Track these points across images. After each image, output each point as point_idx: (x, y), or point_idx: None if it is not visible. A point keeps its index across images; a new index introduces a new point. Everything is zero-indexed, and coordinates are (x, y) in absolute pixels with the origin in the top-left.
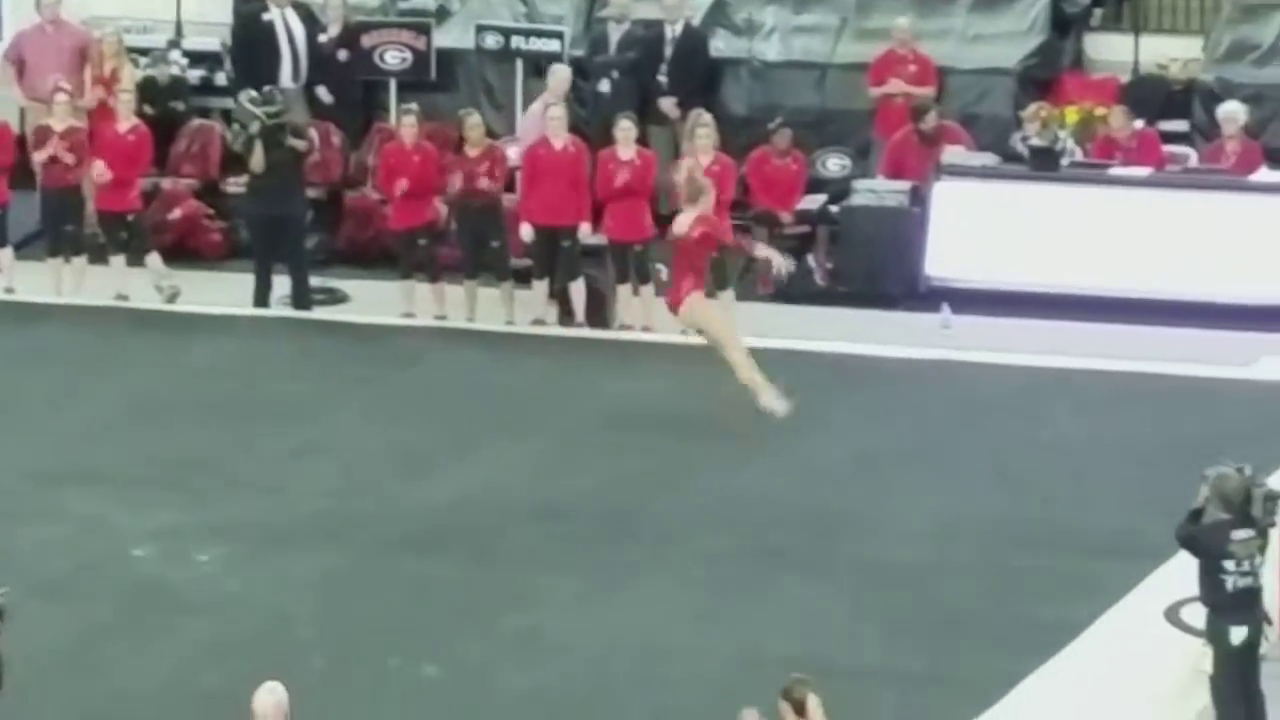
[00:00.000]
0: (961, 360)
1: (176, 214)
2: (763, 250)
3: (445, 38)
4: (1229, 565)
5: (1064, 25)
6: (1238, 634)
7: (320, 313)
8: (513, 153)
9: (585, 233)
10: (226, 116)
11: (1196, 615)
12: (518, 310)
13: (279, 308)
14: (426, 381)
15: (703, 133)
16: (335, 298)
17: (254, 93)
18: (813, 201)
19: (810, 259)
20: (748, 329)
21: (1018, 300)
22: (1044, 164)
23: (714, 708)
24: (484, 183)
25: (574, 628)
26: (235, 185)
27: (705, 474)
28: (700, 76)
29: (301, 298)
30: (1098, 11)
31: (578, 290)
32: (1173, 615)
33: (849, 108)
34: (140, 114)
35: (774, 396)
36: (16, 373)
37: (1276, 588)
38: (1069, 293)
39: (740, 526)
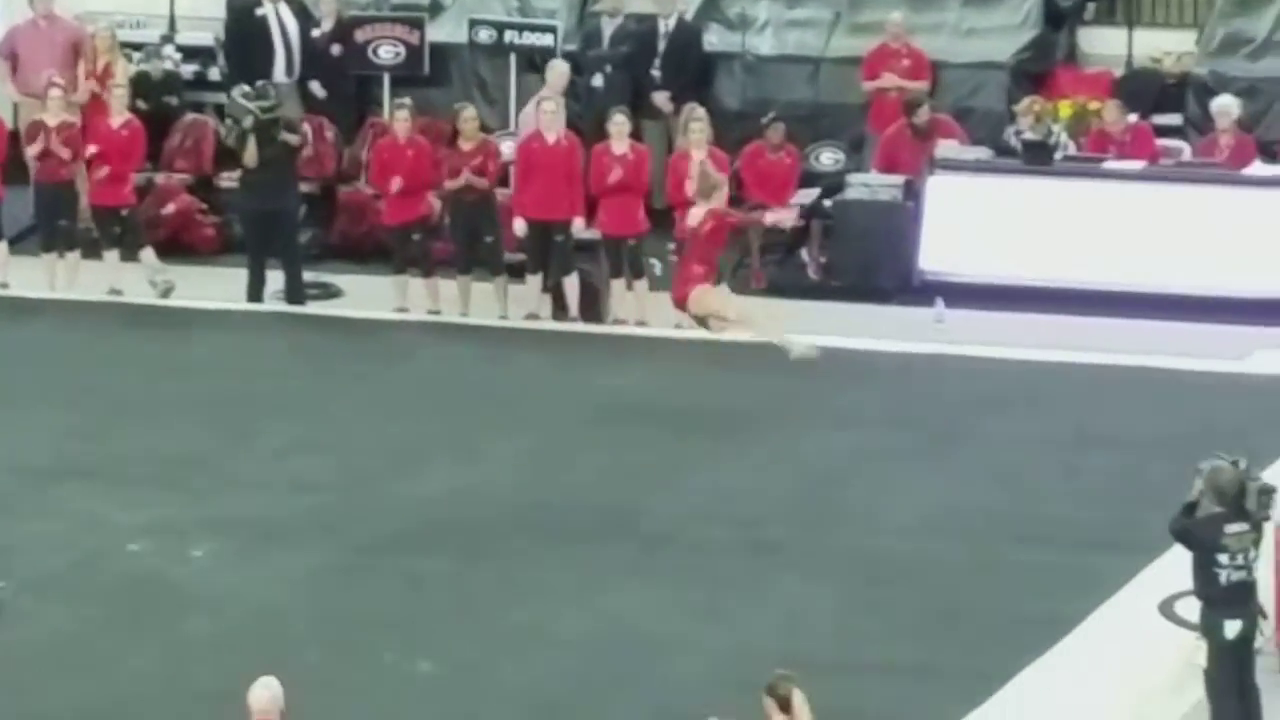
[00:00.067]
0: (955, 354)
1: (170, 209)
2: (772, 216)
3: (438, 32)
4: (1223, 559)
5: (1057, 19)
6: (1232, 628)
7: (314, 308)
8: (506, 147)
9: (579, 227)
10: (220, 111)
11: (1191, 609)
12: (511, 305)
13: (272, 303)
14: (420, 376)
15: (696, 127)
16: (329, 293)
17: (247, 88)
18: (806, 196)
19: (804, 253)
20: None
21: (1011, 294)
22: (1037, 158)
23: (709, 702)
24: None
25: (570, 622)
26: (229, 180)
27: (700, 468)
28: (694, 71)
29: (295, 293)
30: (1091, 5)
31: (571, 285)
32: (1167, 609)
33: (842, 102)
34: (134, 109)
35: (805, 346)
36: (10, 368)
37: (1271, 581)
38: (1062, 287)
39: (734, 520)
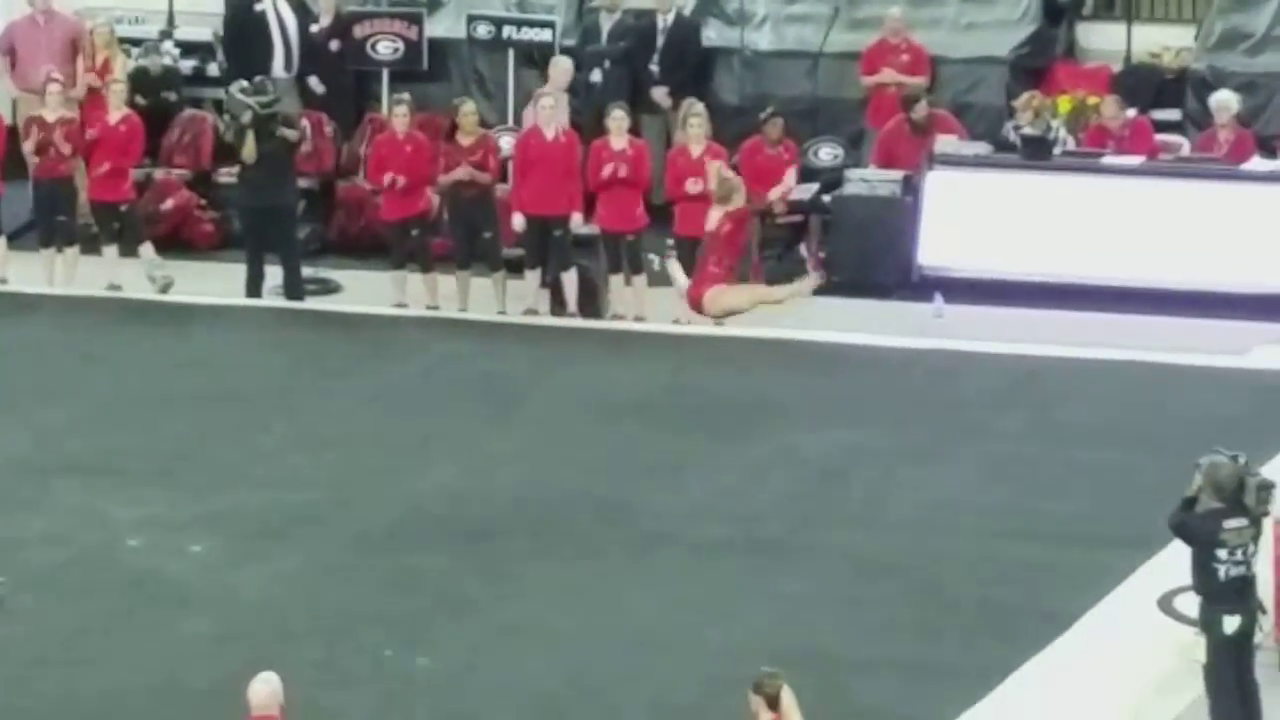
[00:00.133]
0: (954, 349)
1: (169, 204)
2: (775, 191)
3: (437, 27)
4: (1221, 554)
5: (1056, 14)
6: (1230, 623)
7: (312, 303)
8: (505, 143)
9: (577, 222)
10: (218, 107)
11: (1190, 604)
12: (510, 300)
13: (271, 298)
14: (419, 372)
15: (695, 122)
16: (327, 288)
17: (246, 83)
18: (805, 191)
19: (802, 248)
20: (743, 319)
21: (1010, 289)
22: (1036, 153)
23: (705, 699)
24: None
25: (566, 618)
26: (227, 176)
27: (697, 464)
28: (692, 66)
29: (294, 288)
30: (1090, 0)
31: (570, 280)
32: (1166, 604)
33: (841, 97)
34: (132, 104)
35: (809, 281)
36: (8, 363)
37: (1270, 577)
38: (1061, 282)
39: (731, 516)
